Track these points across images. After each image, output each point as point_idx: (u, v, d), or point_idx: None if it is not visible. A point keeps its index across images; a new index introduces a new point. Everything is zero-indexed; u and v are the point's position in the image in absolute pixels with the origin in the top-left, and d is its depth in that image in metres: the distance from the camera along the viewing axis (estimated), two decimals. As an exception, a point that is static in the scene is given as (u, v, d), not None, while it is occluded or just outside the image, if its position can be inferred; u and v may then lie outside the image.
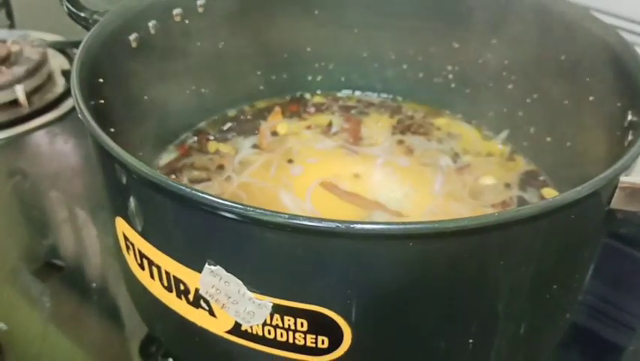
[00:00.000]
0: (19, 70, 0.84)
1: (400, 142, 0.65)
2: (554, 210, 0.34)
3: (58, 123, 0.82)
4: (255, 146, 0.64)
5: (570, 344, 0.53)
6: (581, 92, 0.53)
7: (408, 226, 0.32)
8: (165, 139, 0.63)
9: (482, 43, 0.62)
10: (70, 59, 0.93)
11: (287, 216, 0.32)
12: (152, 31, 0.56)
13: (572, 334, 0.51)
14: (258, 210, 0.32)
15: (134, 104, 0.55)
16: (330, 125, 0.67)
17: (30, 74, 0.84)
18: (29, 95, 0.84)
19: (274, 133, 0.66)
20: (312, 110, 0.69)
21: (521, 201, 0.58)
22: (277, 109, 0.68)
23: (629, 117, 0.45)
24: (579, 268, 0.42)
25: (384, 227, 0.32)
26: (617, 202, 0.38)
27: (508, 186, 0.59)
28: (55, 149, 0.79)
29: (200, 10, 0.59)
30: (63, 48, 0.93)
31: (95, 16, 0.54)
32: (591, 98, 0.52)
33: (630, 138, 0.43)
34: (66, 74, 0.89)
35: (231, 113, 0.68)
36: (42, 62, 0.86)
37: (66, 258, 0.64)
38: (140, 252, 0.41)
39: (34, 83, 0.85)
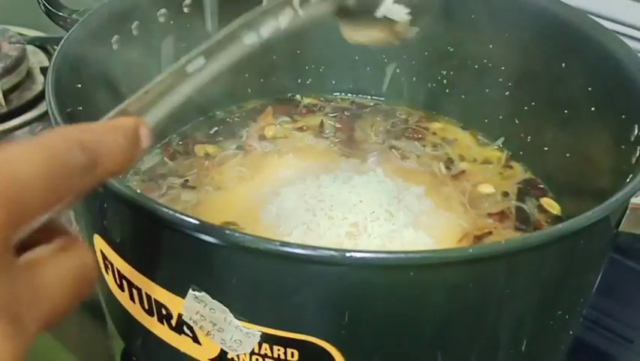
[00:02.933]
0: (-5, 68, 0.80)
1: (394, 147, 0.62)
2: (563, 237, 0.32)
3: (38, 122, 0.79)
4: (239, 147, 0.62)
5: (566, 357, 0.52)
6: (582, 101, 0.51)
7: (409, 256, 0.30)
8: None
9: (478, 48, 0.60)
10: (50, 55, 0.89)
11: (278, 243, 0.30)
12: (135, 33, 0.53)
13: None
14: (247, 237, 0.30)
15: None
16: (322, 125, 0.64)
17: (7, 71, 0.80)
18: (7, 93, 0.80)
19: (262, 137, 0.63)
20: (304, 111, 0.67)
21: (520, 212, 0.56)
22: (268, 110, 0.65)
23: (636, 131, 0.43)
24: (584, 292, 0.40)
25: (383, 256, 0.30)
26: (626, 225, 0.36)
27: (506, 195, 0.57)
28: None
29: (186, 10, 0.57)
30: (42, 45, 0.90)
31: (74, 16, 0.51)
32: (593, 109, 0.50)
33: (638, 154, 0.41)
34: (46, 71, 0.85)
35: (219, 114, 0.65)
36: (20, 59, 0.83)
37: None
38: (119, 272, 0.38)
39: (12, 81, 0.81)
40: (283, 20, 0.38)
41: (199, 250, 0.33)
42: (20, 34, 0.87)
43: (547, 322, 0.38)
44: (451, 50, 0.62)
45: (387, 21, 0.41)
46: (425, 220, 0.53)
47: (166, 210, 0.32)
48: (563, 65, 0.53)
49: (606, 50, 0.49)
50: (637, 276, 0.63)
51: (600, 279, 0.43)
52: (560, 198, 0.57)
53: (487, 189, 0.58)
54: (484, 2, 0.59)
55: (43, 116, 0.80)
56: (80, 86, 0.46)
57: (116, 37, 0.51)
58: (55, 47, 0.88)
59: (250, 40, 0.38)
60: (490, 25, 0.59)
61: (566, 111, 0.54)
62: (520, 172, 0.60)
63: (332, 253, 0.30)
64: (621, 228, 0.36)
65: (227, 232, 0.30)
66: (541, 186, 0.58)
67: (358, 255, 0.30)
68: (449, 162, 0.61)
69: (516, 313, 0.35)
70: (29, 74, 0.85)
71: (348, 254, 0.30)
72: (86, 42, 0.48)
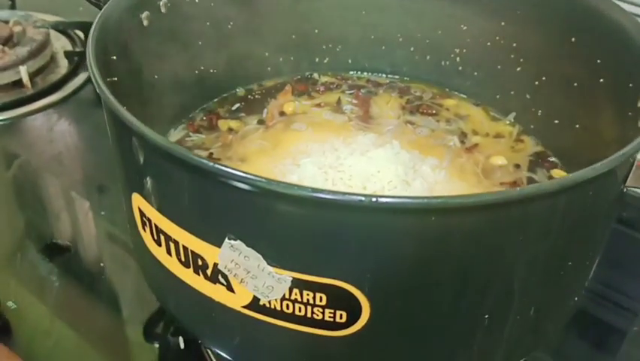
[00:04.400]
0: (22, 51, 0.83)
1: (409, 122, 0.65)
2: (573, 186, 0.34)
3: (61, 105, 0.82)
4: (260, 122, 0.64)
5: (571, 327, 0.53)
6: (591, 74, 0.53)
7: (431, 201, 0.32)
8: (174, 117, 0.63)
9: (491, 25, 0.63)
10: (72, 40, 0.92)
11: (310, 189, 0.32)
12: (163, 10, 0.56)
13: (574, 317, 0.51)
14: (281, 184, 0.33)
15: (144, 83, 0.55)
16: (339, 102, 0.67)
17: (33, 55, 0.84)
18: (32, 76, 0.83)
19: (282, 113, 0.66)
20: (322, 89, 0.69)
21: (531, 182, 0.58)
22: (288, 88, 0.68)
23: (643, 98, 0.46)
24: (592, 246, 0.42)
25: (408, 201, 0.33)
26: (632, 180, 0.38)
27: (517, 167, 0.60)
28: (58, 130, 0.79)
29: (213, -12, 0.59)
30: (65, 29, 0.93)
31: (107, -6, 0.54)
32: (602, 81, 0.52)
33: (644, 117, 0.43)
34: (69, 55, 0.88)
35: (240, 92, 0.68)
36: (45, 43, 0.86)
37: (70, 238, 0.64)
38: (157, 227, 0.41)
39: (38, 64, 0.85)
40: None
41: (235, 199, 0.35)
42: (44, 20, 0.90)
43: (557, 272, 0.40)
44: (464, 28, 0.64)
45: None
46: (440, 189, 0.55)
47: (202, 159, 0.34)
48: (573, 39, 0.56)
49: (614, 23, 0.51)
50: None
51: (607, 251, 0.45)
52: (570, 170, 0.59)
53: (499, 160, 0.60)
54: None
55: (65, 100, 0.83)
56: (114, 58, 0.48)
57: (146, 13, 0.54)
58: (78, 32, 0.91)
59: None
60: (501, 3, 0.61)
61: (575, 84, 0.56)
62: (531, 145, 0.62)
63: (360, 198, 0.32)
64: (628, 183, 0.38)
65: (262, 179, 0.33)
66: (552, 159, 0.61)
67: (384, 200, 0.32)
68: (462, 136, 0.63)
69: (529, 260, 0.37)
70: (53, 58, 0.88)
71: (374, 199, 0.32)
72: (119, 18, 0.51)
